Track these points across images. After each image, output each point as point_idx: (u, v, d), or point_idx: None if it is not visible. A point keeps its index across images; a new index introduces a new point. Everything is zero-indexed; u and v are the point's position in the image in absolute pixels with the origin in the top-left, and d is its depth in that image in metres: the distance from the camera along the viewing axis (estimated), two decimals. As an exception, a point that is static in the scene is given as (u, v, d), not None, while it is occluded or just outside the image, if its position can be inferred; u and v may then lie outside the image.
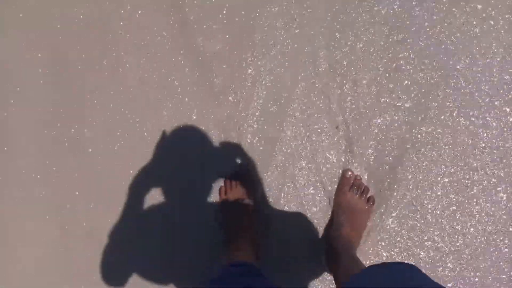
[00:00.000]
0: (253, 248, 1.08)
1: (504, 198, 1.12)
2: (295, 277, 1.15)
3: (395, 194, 1.14)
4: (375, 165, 1.15)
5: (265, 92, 1.18)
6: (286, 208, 1.17)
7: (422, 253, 1.13)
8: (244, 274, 0.88)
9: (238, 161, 1.18)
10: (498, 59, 1.12)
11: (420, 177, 1.14)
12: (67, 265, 1.21)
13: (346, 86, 1.16)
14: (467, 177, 1.13)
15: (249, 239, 1.08)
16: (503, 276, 1.11)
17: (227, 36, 1.19)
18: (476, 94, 1.13)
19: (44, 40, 1.23)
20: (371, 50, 1.15)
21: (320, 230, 1.16)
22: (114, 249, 1.19)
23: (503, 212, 1.12)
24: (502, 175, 1.12)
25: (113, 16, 1.20)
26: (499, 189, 1.12)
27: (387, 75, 1.15)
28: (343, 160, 1.16)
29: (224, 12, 1.18)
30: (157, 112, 1.19)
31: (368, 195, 1.13)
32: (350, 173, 1.14)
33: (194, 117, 1.19)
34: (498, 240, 1.12)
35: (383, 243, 1.14)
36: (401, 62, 1.15)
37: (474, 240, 1.12)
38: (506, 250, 1.12)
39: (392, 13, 1.15)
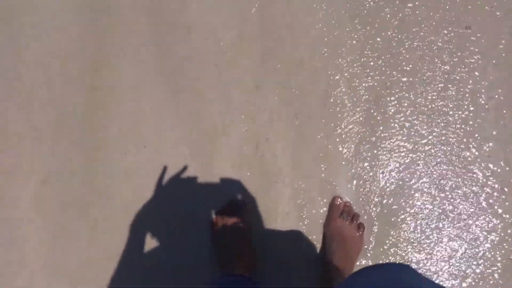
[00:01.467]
0: (248, 268, 1.07)
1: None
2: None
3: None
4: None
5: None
6: (280, 229, 1.18)
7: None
8: (236, 282, 0.88)
9: (234, 195, 1.21)
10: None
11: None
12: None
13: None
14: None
15: (243, 260, 1.08)
16: None
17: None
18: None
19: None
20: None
21: (316, 247, 1.18)
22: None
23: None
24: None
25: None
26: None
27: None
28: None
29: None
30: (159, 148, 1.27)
31: (358, 221, 1.15)
32: (339, 200, 1.17)
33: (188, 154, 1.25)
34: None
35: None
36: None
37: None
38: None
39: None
